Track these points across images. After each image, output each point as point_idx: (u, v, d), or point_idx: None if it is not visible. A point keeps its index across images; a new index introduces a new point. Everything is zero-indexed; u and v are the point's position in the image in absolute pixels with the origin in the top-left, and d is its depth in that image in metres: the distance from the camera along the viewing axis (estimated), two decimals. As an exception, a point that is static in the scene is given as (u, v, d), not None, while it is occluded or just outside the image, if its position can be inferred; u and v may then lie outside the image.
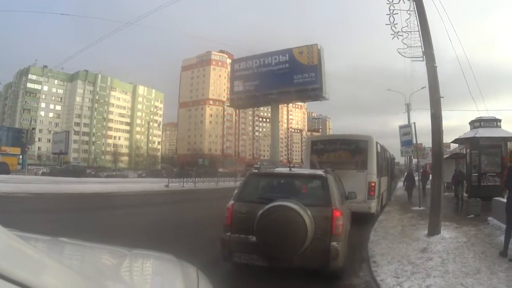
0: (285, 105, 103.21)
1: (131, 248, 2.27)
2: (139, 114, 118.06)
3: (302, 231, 5.36)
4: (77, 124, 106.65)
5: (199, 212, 16.05)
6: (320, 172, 6.80)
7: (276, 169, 9.07)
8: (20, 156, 56.75)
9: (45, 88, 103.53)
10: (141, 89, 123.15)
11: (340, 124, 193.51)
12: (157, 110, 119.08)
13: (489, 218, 11.45)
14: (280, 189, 6.86)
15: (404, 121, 33.36)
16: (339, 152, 13.66)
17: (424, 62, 10.34)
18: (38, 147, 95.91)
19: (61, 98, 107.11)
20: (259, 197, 6.39)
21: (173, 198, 22.01)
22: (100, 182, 32.90)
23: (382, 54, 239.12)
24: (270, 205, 5.54)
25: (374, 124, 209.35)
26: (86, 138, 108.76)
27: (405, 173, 25.67)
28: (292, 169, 7.24)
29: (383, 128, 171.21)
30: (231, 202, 6.33)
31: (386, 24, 10.82)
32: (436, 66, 10.26)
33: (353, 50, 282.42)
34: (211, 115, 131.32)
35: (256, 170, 7.48)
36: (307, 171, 8.93)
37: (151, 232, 9.74)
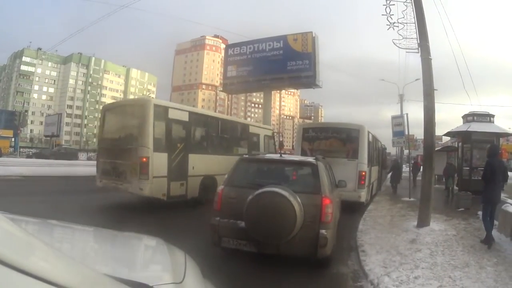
0: (278, 91, 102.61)
1: (120, 230, 2.33)
2: (132, 97, 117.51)
3: (291, 217, 5.30)
4: (70, 106, 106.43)
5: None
6: (310, 159, 6.73)
7: (267, 155, 8.98)
8: (13, 139, 56.15)
9: (39, 70, 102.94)
10: (135, 72, 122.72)
11: (332, 112, 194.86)
12: (150, 94, 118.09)
13: (479, 212, 11.44)
14: (270, 175, 6.78)
15: (396, 112, 33.37)
16: (331, 140, 13.62)
17: (419, 54, 10.27)
18: (31, 130, 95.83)
19: (54, 81, 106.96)
20: (249, 182, 6.31)
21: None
22: (92, 165, 32.49)
23: (376, 44, 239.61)
24: (260, 190, 5.47)
25: (366, 114, 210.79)
26: (78, 120, 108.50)
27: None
28: (282, 155, 7.16)
29: (375, 118, 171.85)
30: (221, 187, 6.29)
31: (382, 15, 10.74)
32: (431, 58, 10.21)
33: (348, 39, 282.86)
34: (204, 99, 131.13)
35: (246, 155, 7.35)
36: (297, 157, 8.84)
37: (140, 214, 9.62)
